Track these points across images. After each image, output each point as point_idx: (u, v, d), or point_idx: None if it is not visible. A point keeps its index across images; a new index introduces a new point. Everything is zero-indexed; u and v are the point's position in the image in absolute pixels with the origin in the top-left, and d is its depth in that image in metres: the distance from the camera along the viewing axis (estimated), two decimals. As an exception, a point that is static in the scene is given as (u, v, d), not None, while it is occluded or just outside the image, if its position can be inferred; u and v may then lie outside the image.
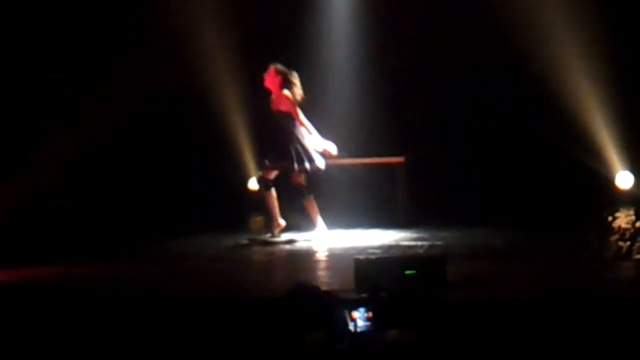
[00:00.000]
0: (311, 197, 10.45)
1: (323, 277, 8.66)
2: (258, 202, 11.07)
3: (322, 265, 9.59)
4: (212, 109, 12.54)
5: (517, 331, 5.98)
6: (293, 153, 10.25)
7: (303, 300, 4.57)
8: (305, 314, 4.52)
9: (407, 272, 7.29)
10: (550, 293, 6.44)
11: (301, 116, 10.29)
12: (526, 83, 12.11)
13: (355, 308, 5.10)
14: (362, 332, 5.02)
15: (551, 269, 8.41)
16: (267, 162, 10.48)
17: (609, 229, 10.61)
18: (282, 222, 10.54)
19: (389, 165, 11.59)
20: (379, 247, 9.79)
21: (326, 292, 4.77)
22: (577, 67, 12.01)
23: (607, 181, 12.11)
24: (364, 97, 12.62)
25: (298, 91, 10.29)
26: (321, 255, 9.84)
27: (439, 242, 9.98)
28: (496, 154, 12.36)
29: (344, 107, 12.63)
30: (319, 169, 10.40)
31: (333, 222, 10.67)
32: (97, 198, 12.35)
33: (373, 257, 8.26)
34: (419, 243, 10.02)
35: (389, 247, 9.80)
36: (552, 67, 11.97)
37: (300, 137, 10.28)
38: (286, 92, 10.23)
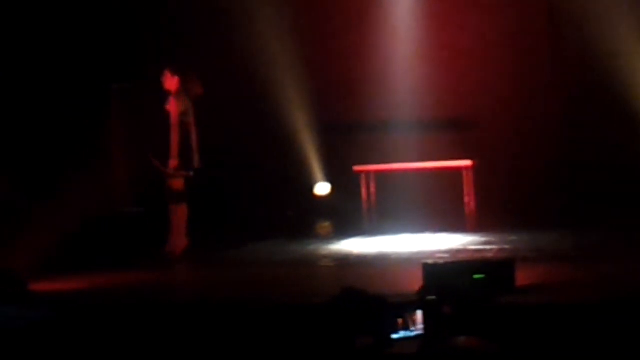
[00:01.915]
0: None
1: (391, 282, 8.64)
2: (325, 207, 11.09)
3: (390, 270, 9.56)
4: (275, 112, 12.59)
5: (585, 336, 5.93)
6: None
7: (350, 305, 4.58)
8: (353, 318, 4.53)
9: (476, 276, 7.25)
10: (622, 297, 6.37)
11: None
12: (592, 80, 11.98)
13: (409, 312, 5.09)
14: (420, 336, 5.00)
15: (622, 273, 8.31)
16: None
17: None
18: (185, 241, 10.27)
19: (457, 169, 11.56)
20: (447, 252, 9.76)
21: (374, 297, 4.77)
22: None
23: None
24: (431, 102, 12.61)
25: (195, 89, 10.33)
26: (389, 260, 9.81)
27: (508, 246, 9.92)
28: (563, 155, 12.26)
29: (411, 111, 12.63)
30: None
31: (402, 226, 10.65)
32: (163, 205, 12.47)
33: (441, 261, 8.24)
34: (487, 247, 9.97)
35: (457, 252, 9.76)
36: (615, 61, 11.83)
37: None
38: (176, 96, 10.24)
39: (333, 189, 12.97)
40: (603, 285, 7.57)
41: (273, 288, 8.28)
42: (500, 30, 12.57)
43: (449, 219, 11.30)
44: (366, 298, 4.60)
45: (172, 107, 10.25)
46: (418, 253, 9.69)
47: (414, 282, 7.50)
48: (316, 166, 12.76)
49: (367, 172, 11.72)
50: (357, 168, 11.76)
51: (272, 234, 11.29)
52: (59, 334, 6.87)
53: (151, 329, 6.77)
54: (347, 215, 11.74)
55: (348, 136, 13.00)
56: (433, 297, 5.08)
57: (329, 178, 13.04)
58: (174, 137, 10.16)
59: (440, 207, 11.73)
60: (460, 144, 12.17)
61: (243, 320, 6.84)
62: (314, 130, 12.83)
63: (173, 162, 10.14)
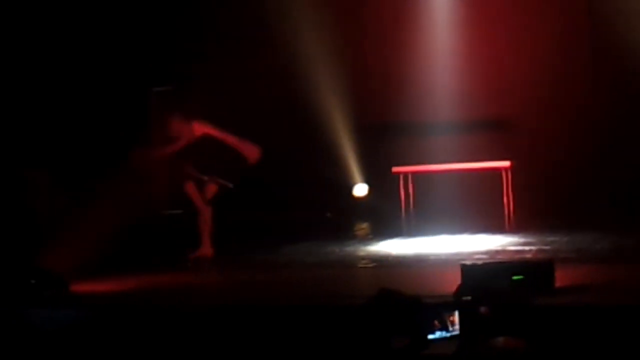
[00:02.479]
0: None
1: (429, 284, 8.63)
2: (364, 208, 11.11)
3: (428, 271, 9.55)
4: (314, 113, 12.62)
5: (623, 339, 5.90)
6: None
7: (386, 306, 4.59)
8: (389, 319, 4.54)
9: (515, 277, 7.24)
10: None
11: None
12: (632, 80, 11.91)
13: (446, 313, 5.08)
14: (456, 337, 5.00)
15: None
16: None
17: None
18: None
19: (496, 170, 11.54)
20: (486, 253, 9.73)
21: (409, 297, 4.77)
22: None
23: None
24: (470, 103, 12.59)
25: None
26: (427, 261, 9.80)
27: (547, 247, 9.88)
28: (602, 155, 12.19)
29: (450, 112, 12.61)
30: None
31: (440, 227, 10.63)
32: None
33: (480, 262, 8.22)
34: (526, 248, 9.94)
35: (496, 252, 9.74)
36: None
37: None
38: None
39: (371, 190, 12.98)
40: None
41: (309, 289, 8.31)
42: (541, 29, 12.53)
43: (488, 220, 11.27)
44: (402, 299, 4.61)
45: (201, 127, 10.35)
46: (456, 254, 9.67)
47: (452, 283, 7.49)
48: (355, 167, 12.77)
49: (406, 173, 11.72)
50: (395, 169, 11.77)
51: (310, 236, 11.31)
52: (97, 335, 6.93)
53: (187, 331, 6.82)
54: (385, 217, 11.74)
55: (386, 137, 13.01)
56: (469, 298, 5.07)
57: (367, 179, 13.06)
58: (225, 139, 10.21)
59: (479, 208, 11.70)
60: (499, 145, 12.14)
61: (279, 321, 6.87)
62: (353, 132, 12.85)
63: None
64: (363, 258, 10.19)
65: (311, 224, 11.83)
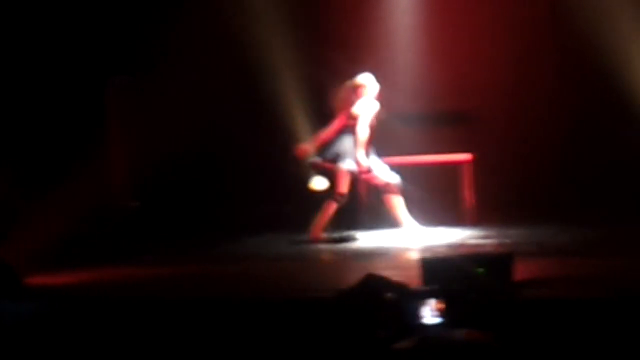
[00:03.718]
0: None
1: (389, 276, 8.57)
2: (320, 201, 11.05)
3: (387, 264, 9.50)
4: (273, 106, 12.54)
5: (585, 331, 5.88)
6: None
7: (373, 290, 4.53)
8: (376, 305, 4.48)
9: (476, 270, 7.18)
10: (621, 292, 6.32)
11: None
12: (596, 74, 11.93)
13: (427, 300, 5.04)
14: (432, 326, 4.95)
15: (621, 269, 8.25)
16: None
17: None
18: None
19: (456, 163, 11.50)
20: (446, 246, 9.70)
21: (397, 284, 4.72)
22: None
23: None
24: (432, 95, 12.56)
25: None
26: (387, 254, 9.76)
27: (507, 240, 9.87)
28: (565, 150, 12.21)
29: (411, 104, 12.57)
30: None
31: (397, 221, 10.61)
32: (161, 199, 12.43)
33: (440, 255, 8.18)
34: (486, 241, 9.92)
35: (456, 246, 9.70)
36: (623, 58, 11.78)
37: None
38: None
39: (330, 183, 12.89)
40: (601, 280, 7.51)
41: (269, 282, 8.23)
42: (504, 23, 12.51)
43: (448, 213, 11.25)
44: (389, 284, 4.57)
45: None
46: (416, 247, 9.64)
47: (412, 276, 7.45)
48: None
49: (366, 166, 11.63)
50: (355, 162, 11.67)
51: (268, 229, 11.24)
52: (53, 328, 6.82)
53: (145, 324, 6.72)
54: (344, 210, 11.67)
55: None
56: (429, 290, 5.04)
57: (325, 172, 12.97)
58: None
59: (439, 201, 11.66)
60: (461, 138, 12.12)
61: (243, 314, 6.78)
62: (313, 123, 12.76)
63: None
64: (321, 251, 10.14)
65: (269, 217, 11.74)
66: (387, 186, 10.55)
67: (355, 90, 10.54)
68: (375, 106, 10.49)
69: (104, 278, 8.62)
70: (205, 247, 10.54)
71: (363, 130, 10.37)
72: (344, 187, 10.49)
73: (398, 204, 10.54)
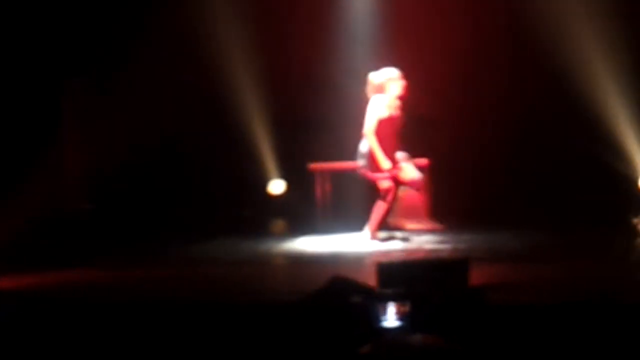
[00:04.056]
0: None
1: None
2: (280, 205, 11.05)
3: (344, 269, 9.50)
4: (230, 109, 12.51)
5: (540, 336, 5.92)
6: None
7: (339, 293, 4.52)
8: (342, 307, 4.47)
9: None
10: (575, 297, 6.37)
11: None
12: (548, 82, 12.05)
13: (391, 303, 5.04)
14: (392, 330, 4.95)
15: (575, 272, 8.33)
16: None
17: (634, 231, 10.51)
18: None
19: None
20: (402, 251, 9.72)
21: (363, 286, 4.71)
22: (600, 66, 11.95)
23: (631, 183, 12.03)
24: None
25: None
26: (344, 259, 9.75)
27: (462, 245, 9.91)
28: (519, 156, 12.30)
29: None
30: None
31: (357, 225, 10.62)
32: (117, 202, 12.36)
33: (396, 260, 8.20)
34: (442, 246, 9.95)
35: (412, 251, 9.73)
36: (574, 66, 11.91)
37: None
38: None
39: (288, 187, 12.91)
40: (554, 286, 7.58)
41: (225, 286, 8.20)
42: (460, 28, 12.58)
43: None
44: (356, 287, 4.56)
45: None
46: (373, 252, 9.65)
47: (369, 281, 7.46)
48: (271, 164, 12.68)
49: (322, 171, 11.66)
50: (312, 166, 11.69)
51: (225, 232, 11.20)
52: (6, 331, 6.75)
53: (100, 327, 6.67)
54: (301, 214, 11.67)
55: (304, 134, 12.94)
56: (393, 293, 5.04)
57: (284, 176, 12.98)
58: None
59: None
60: (418, 143, 12.15)
61: (199, 317, 6.74)
62: (270, 127, 12.75)
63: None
64: (278, 255, 10.12)
65: (226, 221, 11.71)
66: (412, 183, 10.47)
67: (377, 87, 10.41)
68: (387, 102, 10.37)
69: (53, 281, 8.54)
70: (161, 250, 10.47)
71: (368, 127, 10.26)
72: (380, 184, 10.32)
73: (381, 210, 10.41)
